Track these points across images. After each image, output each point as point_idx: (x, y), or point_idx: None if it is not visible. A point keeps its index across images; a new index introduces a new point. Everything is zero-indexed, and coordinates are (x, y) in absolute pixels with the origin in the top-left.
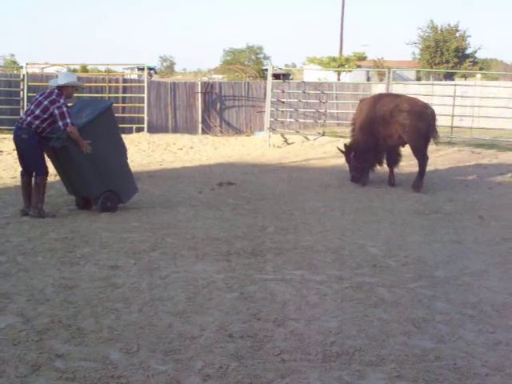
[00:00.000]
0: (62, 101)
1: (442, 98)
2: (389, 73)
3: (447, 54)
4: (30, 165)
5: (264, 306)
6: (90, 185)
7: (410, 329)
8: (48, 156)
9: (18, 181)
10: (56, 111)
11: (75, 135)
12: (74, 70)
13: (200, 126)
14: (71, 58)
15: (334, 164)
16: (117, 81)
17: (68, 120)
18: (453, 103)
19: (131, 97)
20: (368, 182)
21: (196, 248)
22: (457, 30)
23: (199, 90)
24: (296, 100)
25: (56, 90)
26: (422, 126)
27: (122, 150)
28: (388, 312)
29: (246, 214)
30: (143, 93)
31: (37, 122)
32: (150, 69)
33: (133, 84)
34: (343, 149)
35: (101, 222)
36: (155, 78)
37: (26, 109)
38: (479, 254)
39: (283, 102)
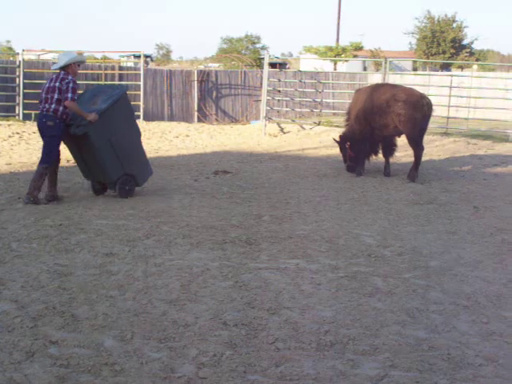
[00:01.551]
0: (70, 77)
1: (439, 89)
2: (385, 63)
3: (444, 45)
4: (43, 150)
5: (258, 294)
6: (108, 169)
7: (404, 318)
8: (65, 143)
9: (12, 168)
10: (64, 87)
11: (74, 108)
12: None
13: (196, 114)
14: (67, 45)
15: (329, 153)
16: (113, 68)
17: (69, 95)
18: (449, 94)
19: (127, 84)
20: (364, 172)
21: (191, 236)
22: (454, 21)
23: (195, 79)
24: (292, 89)
25: (62, 71)
26: (417, 116)
27: (137, 134)
28: (382, 301)
29: (241, 203)
30: (139, 80)
31: (61, 108)
32: (146, 56)
33: (129, 72)
34: (338, 139)
35: (96, 209)
36: (151, 65)
37: (40, 99)
38: (474, 245)
39: (279, 91)
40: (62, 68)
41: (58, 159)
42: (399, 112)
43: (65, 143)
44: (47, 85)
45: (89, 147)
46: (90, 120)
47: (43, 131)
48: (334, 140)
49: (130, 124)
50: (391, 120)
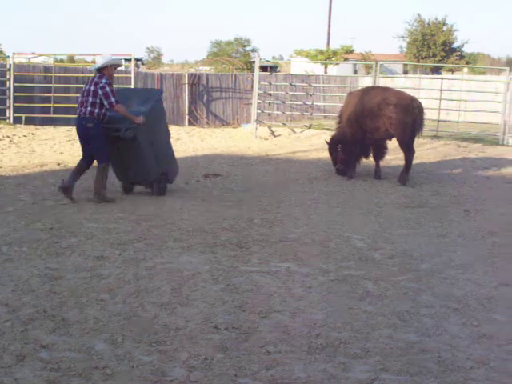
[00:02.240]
0: (104, 81)
1: (429, 92)
2: (376, 66)
3: (434, 48)
4: (95, 152)
5: (249, 297)
6: (150, 169)
7: (394, 322)
8: None
9: (3, 171)
10: (100, 92)
11: (123, 112)
12: (61, 61)
13: (187, 117)
14: (58, 48)
15: (320, 157)
16: None
17: (112, 99)
18: (439, 97)
19: (118, 88)
20: (355, 175)
21: (182, 239)
22: (444, 24)
23: (186, 82)
24: (283, 92)
25: (97, 74)
26: (408, 119)
27: (168, 134)
28: (373, 305)
29: (232, 206)
30: (130, 84)
31: (96, 110)
32: (137, 60)
33: (119, 75)
34: (329, 144)
35: (86, 212)
36: (142, 69)
37: (78, 103)
38: (465, 248)
39: (270, 95)
40: (99, 70)
41: (91, 160)
42: (390, 115)
43: None
44: (85, 87)
45: (133, 149)
46: (137, 123)
47: (85, 134)
48: (326, 142)
49: (164, 125)
50: (382, 123)
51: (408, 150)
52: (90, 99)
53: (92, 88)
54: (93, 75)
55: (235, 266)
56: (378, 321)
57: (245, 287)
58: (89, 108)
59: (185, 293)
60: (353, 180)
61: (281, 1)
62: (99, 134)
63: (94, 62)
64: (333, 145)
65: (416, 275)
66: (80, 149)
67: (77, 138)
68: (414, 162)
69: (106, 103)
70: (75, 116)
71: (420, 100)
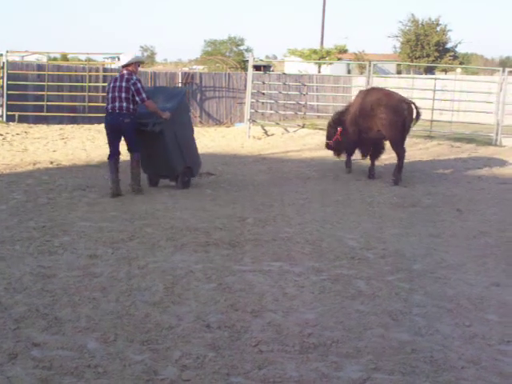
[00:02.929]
0: (134, 78)
1: (423, 92)
2: (369, 66)
3: (428, 48)
4: (131, 145)
5: (242, 296)
6: (174, 164)
7: (387, 321)
8: None
9: None
10: (132, 88)
11: (153, 107)
12: (55, 59)
13: None
14: (52, 47)
15: (313, 156)
16: (97, 70)
17: (144, 95)
18: (433, 97)
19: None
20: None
21: (174, 238)
22: (438, 24)
23: (180, 81)
24: (276, 92)
25: (125, 71)
26: (397, 119)
27: (192, 130)
28: (365, 304)
29: (225, 205)
30: None
31: (131, 106)
32: None
33: (113, 73)
34: (331, 122)
35: (79, 211)
36: None
37: (108, 99)
38: (457, 248)
39: (264, 94)
40: (125, 66)
41: (118, 154)
42: (380, 116)
43: None
44: (111, 84)
45: (160, 144)
46: (165, 118)
47: (120, 128)
48: (328, 122)
49: (188, 121)
50: (374, 124)
51: (399, 149)
52: (123, 95)
53: (124, 84)
54: (119, 72)
55: (228, 265)
56: (371, 320)
57: (237, 286)
58: (124, 104)
59: (177, 292)
60: (345, 179)
61: (275, 0)
62: (134, 128)
63: (88, 60)
64: (334, 122)
65: (408, 275)
66: (72, 147)
67: (70, 136)
68: (407, 161)
69: (138, 99)
70: (66, 114)
71: (413, 100)
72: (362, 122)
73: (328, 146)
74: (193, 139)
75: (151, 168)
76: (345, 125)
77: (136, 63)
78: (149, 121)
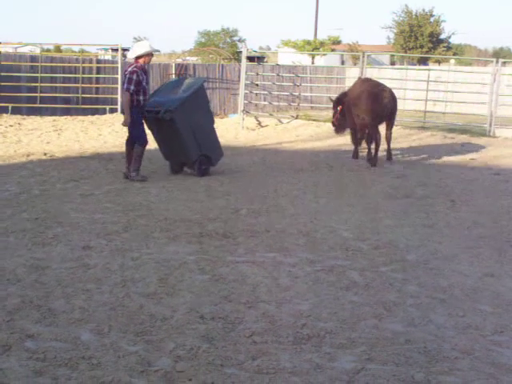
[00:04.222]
0: (130, 69)
1: (416, 83)
2: (363, 57)
3: (421, 39)
4: (132, 136)
5: (235, 288)
6: (189, 151)
7: (380, 312)
8: (149, 127)
9: None
10: (128, 76)
11: (124, 100)
12: (48, 50)
13: None
14: (45, 38)
15: (307, 147)
16: (90, 61)
17: (129, 86)
18: (426, 88)
19: (105, 78)
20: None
21: (168, 229)
22: (431, 15)
23: (173, 72)
24: (270, 83)
25: (135, 63)
26: (375, 106)
27: (211, 119)
28: (359, 295)
29: (219, 196)
30: (117, 74)
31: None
32: (124, 50)
33: (106, 65)
34: (334, 99)
35: (73, 202)
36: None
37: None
38: (450, 238)
39: (257, 85)
40: (137, 58)
41: (146, 141)
42: (361, 104)
43: (148, 128)
44: (142, 77)
45: (173, 131)
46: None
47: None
48: (330, 99)
49: (206, 111)
50: (359, 110)
51: (374, 130)
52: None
53: (144, 76)
54: (131, 63)
55: (221, 256)
56: (364, 311)
57: (231, 277)
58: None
59: (171, 283)
60: (339, 171)
61: None
62: (133, 120)
63: (81, 51)
64: (336, 101)
65: (402, 266)
66: (66, 138)
67: (64, 127)
68: (401, 152)
69: (124, 86)
70: (60, 106)
71: (407, 91)
72: (354, 110)
73: (333, 124)
74: (212, 128)
75: (170, 156)
76: (344, 106)
77: (148, 54)
78: (161, 109)
